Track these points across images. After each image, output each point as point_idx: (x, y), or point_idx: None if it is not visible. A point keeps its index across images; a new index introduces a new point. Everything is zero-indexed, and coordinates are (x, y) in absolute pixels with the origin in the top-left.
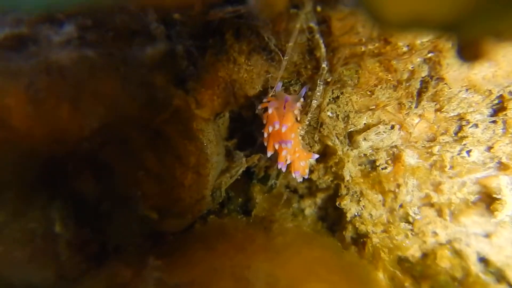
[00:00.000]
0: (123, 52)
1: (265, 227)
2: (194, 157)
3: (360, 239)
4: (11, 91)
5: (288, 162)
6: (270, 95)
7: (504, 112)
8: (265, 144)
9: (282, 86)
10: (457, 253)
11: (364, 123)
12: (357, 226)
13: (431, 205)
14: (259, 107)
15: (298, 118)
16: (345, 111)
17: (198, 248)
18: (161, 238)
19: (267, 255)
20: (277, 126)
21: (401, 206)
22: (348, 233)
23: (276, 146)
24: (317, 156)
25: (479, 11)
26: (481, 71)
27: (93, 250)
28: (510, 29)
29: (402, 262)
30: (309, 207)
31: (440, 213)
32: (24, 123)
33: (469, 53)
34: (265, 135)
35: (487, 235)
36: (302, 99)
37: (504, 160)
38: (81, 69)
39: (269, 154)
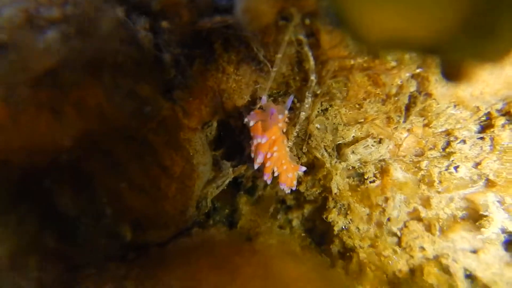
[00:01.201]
0: (109, 60)
1: (250, 239)
2: (179, 168)
3: (347, 253)
4: None
5: (275, 174)
6: (257, 106)
7: (492, 129)
8: (252, 156)
9: (271, 97)
10: (444, 269)
11: (353, 136)
12: (344, 240)
13: (419, 219)
14: (245, 119)
15: (284, 130)
16: (334, 123)
17: (181, 261)
18: (144, 250)
19: (251, 270)
20: (260, 140)
21: (388, 220)
22: (335, 247)
23: (261, 159)
24: (304, 168)
25: (459, 35)
26: (468, 88)
27: (75, 262)
28: (491, 53)
29: (389, 278)
30: (297, 218)
31: (428, 227)
32: (0, 134)
33: (452, 74)
34: (252, 148)
35: (475, 251)
36: (286, 112)
37: (491, 177)
38: (63, 78)
39: (256, 166)
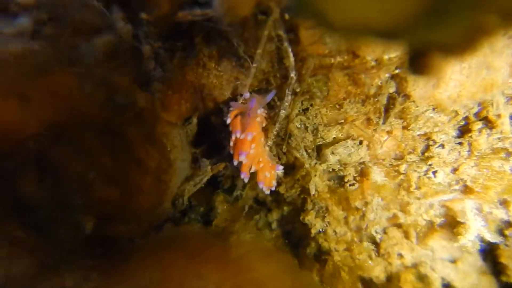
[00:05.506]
0: (80, 49)
1: (223, 238)
2: (155, 161)
3: (322, 257)
4: None
5: (251, 170)
6: (240, 102)
7: (470, 134)
8: (231, 152)
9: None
10: (422, 278)
11: (334, 137)
12: (320, 243)
13: (398, 226)
14: (225, 118)
15: (264, 125)
16: (314, 123)
17: (148, 256)
18: (112, 245)
19: (220, 265)
20: (239, 135)
21: (367, 225)
22: (311, 250)
23: (244, 157)
24: (281, 167)
25: (420, 21)
26: (446, 91)
27: (41, 255)
28: (451, 42)
29: (365, 283)
30: (276, 220)
31: (407, 234)
32: None
33: (418, 65)
34: (231, 143)
35: (453, 261)
36: (263, 110)
37: (468, 183)
38: (34, 64)
39: (235, 162)
